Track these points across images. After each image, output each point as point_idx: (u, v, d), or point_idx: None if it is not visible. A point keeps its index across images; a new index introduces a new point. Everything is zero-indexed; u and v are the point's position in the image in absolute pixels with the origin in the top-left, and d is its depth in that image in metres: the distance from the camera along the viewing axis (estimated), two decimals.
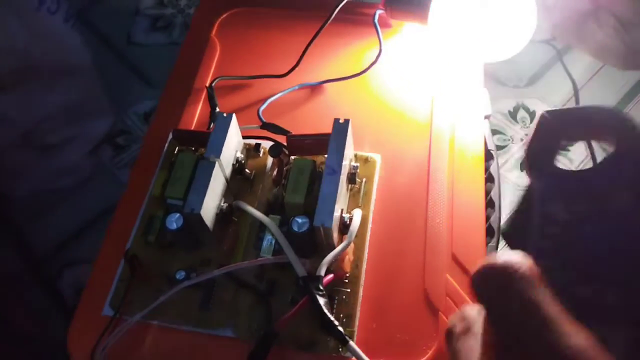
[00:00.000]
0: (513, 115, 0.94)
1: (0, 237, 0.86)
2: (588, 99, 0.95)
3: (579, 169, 0.31)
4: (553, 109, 0.30)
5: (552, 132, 0.29)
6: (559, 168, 0.30)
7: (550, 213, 0.27)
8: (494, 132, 0.93)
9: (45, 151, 0.88)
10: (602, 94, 0.98)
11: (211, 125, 0.42)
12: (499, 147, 0.92)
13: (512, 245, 0.32)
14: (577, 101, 0.96)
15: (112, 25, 1.11)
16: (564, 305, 0.19)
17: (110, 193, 0.88)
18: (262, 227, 0.36)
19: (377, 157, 0.41)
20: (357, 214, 0.36)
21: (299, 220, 0.33)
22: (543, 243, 0.27)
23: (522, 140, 0.92)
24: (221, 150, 0.35)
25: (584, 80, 0.99)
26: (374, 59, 0.46)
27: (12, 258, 0.86)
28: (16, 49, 0.74)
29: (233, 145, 0.38)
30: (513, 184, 0.89)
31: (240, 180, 0.39)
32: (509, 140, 0.94)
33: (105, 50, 1.07)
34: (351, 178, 0.38)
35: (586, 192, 0.28)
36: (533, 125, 0.31)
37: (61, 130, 0.87)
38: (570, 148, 0.80)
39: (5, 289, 0.77)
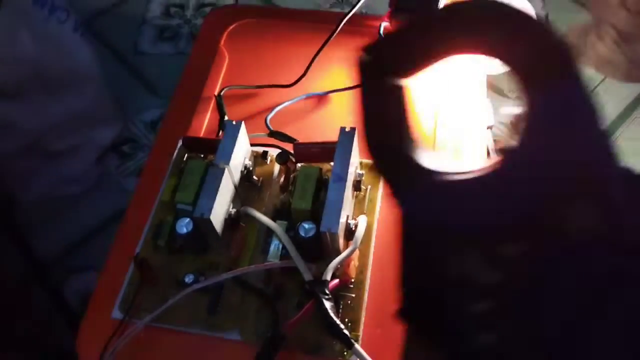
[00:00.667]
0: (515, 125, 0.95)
1: (6, 243, 0.87)
2: None
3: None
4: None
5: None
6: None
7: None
8: (496, 142, 0.94)
9: (52, 158, 0.89)
10: (604, 106, 0.99)
11: (220, 133, 0.43)
12: None
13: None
14: None
15: (119, 35, 1.12)
16: None
17: (115, 201, 0.89)
18: (269, 233, 0.37)
19: None
20: (363, 220, 0.37)
21: (306, 226, 0.34)
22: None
23: None
24: (230, 156, 0.36)
25: None
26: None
27: (18, 263, 0.87)
28: (25, 58, 0.75)
29: (241, 152, 0.39)
30: None
31: (248, 186, 0.40)
32: None
33: (112, 59, 1.09)
34: (357, 185, 0.39)
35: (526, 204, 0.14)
36: None
37: (68, 138, 0.89)
38: None
39: (10, 294, 0.78)
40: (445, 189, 0.15)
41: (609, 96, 0.99)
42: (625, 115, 0.96)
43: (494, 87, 1.00)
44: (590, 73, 1.01)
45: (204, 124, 0.45)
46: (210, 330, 0.35)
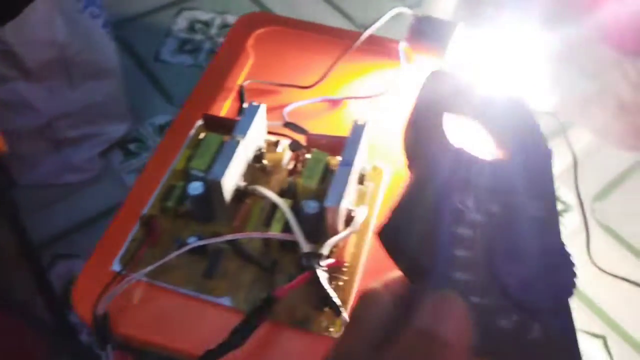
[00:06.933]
0: None
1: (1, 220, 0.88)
2: (587, 173, 1.00)
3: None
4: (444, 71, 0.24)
5: (441, 98, 0.23)
6: (458, 148, 0.21)
7: (461, 209, 0.20)
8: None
9: (60, 145, 0.91)
10: (599, 169, 1.02)
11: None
12: None
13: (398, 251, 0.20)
14: (575, 172, 1.00)
15: (142, 42, 1.17)
16: (483, 334, 0.18)
17: (114, 195, 0.91)
18: (272, 210, 0.39)
19: (386, 168, 0.44)
20: (363, 209, 0.39)
21: (310, 203, 0.36)
22: (455, 250, 0.19)
23: None
24: (247, 132, 0.38)
25: (583, 154, 1.03)
26: (392, 85, 0.50)
27: (7, 241, 0.87)
28: (55, 42, 0.78)
29: (258, 133, 0.41)
30: None
31: (259, 168, 0.42)
32: None
33: (132, 63, 1.12)
34: (361, 179, 0.41)
35: (494, 188, 0.21)
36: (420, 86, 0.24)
37: (79, 128, 0.91)
38: None
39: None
40: None
41: (607, 161, 1.02)
42: (619, 180, 1.00)
43: None
44: (590, 137, 1.06)
45: (224, 109, 0.48)
46: (203, 293, 0.37)
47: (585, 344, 0.79)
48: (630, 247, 0.91)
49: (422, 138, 0.22)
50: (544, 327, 0.19)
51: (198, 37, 1.20)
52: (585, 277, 0.86)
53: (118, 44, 1.15)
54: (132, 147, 1.02)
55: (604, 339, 0.79)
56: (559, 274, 0.20)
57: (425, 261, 0.19)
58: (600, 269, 0.87)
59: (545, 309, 0.19)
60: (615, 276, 0.87)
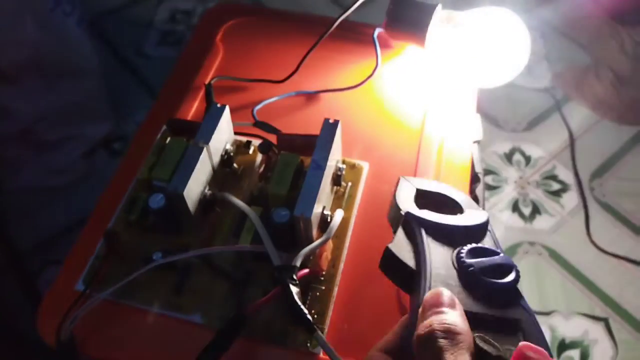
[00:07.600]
0: (508, 157, 0.95)
1: None
2: (584, 150, 0.97)
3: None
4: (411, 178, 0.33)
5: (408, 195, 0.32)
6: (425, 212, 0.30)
7: (434, 244, 0.29)
8: (488, 172, 0.94)
9: (42, 148, 0.89)
10: (596, 145, 0.99)
11: None
12: (491, 187, 0.93)
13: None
14: (572, 150, 0.97)
15: (124, 35, 1.13)
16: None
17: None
18: (243, 219, 0.36)
19: (365, 165, 0.41)
20: (339, 213, 0.36)
21: (280, 212, 0.34)
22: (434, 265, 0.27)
23: (515, 182, 0.93)
24: (210, 137, 0.36)
25: (580, 131, 1.00)
26: (370, 74, 0.47)
27: None
28: (26, 43, 0.75)
29: (224, 136, 0.38)
30: (504, 224, 0.89)
31: (228, 173, 0.40)
32: (503, 181, 0.95)
33: (113, 58, 1.10)
34: (336, 180, 0.38)
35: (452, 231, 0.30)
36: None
37: (60, 130, 0.88)
38: None
39: None
40: None
41: (603, 136, 0.99)
42: (617, 156, 0.97)
43: (490, 118, 1.00)
44: (586, 113, 1.02)
45: (192, 110, 0.45)
46: (172, 310, 0.35)
47: (588, 327, 0.77)
48: (630, 225, 0.89)
49: (402, 219, 0.31)
50: (519, 312, 0.26)
51: (180, 27, 1.17)
52: (585, 258, 0.84)
53: (98, 40, 1.12)
54: (116, 145, 1.00)
55: (606, 321, 0.77)
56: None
57: (418, 276, 0.27)
58: (600, 249, 0.85)
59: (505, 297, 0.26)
60: (616, 256, 0.85)
